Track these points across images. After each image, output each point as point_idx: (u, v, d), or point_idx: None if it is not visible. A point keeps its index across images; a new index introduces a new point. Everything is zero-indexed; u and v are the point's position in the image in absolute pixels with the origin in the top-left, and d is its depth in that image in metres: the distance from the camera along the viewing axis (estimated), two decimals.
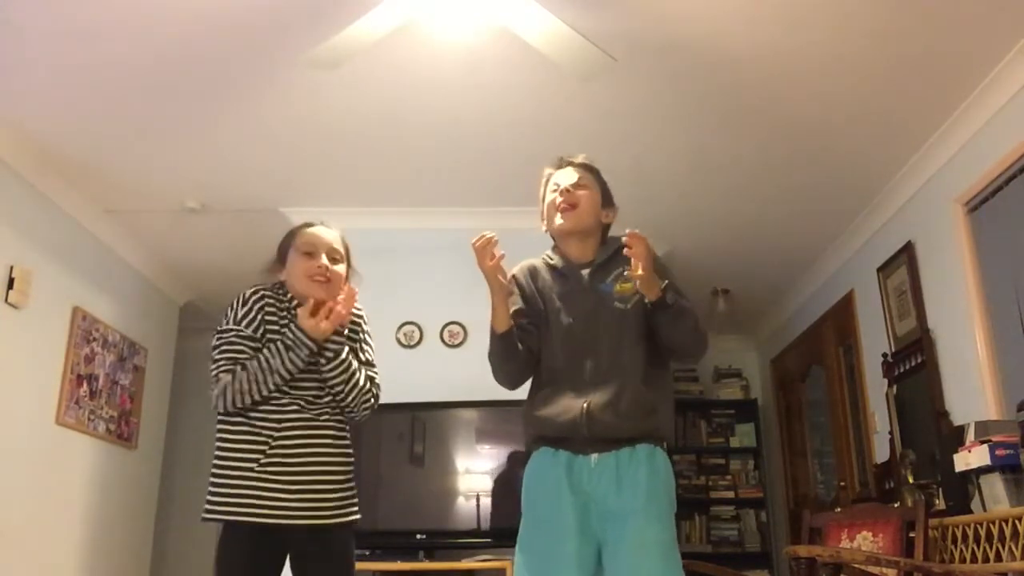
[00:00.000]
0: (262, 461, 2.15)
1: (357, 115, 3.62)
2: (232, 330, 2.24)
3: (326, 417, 2.25)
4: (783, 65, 3.22)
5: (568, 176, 2.15)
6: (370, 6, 2.63)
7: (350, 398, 2.26)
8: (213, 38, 3.05)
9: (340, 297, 2.24)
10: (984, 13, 2.91)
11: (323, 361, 2.22)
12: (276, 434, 2.18)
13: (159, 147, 3.89)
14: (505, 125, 3.69)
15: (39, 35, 3.02)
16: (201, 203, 4.45)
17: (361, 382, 2.28)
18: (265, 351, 2.19)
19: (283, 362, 2.17)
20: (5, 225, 3.81)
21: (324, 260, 2.27)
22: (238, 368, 2.18)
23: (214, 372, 2.21)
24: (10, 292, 3.78)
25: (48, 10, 2.88)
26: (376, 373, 2.38)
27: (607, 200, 2.18)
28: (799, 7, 2.90)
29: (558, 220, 2.12)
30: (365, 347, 2.39)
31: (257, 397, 2.16)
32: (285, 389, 2.20)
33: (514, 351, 2.03)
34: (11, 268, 3.81)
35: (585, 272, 2.11)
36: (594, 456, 1.94)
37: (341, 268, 2.32)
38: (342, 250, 2.35)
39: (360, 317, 2.40)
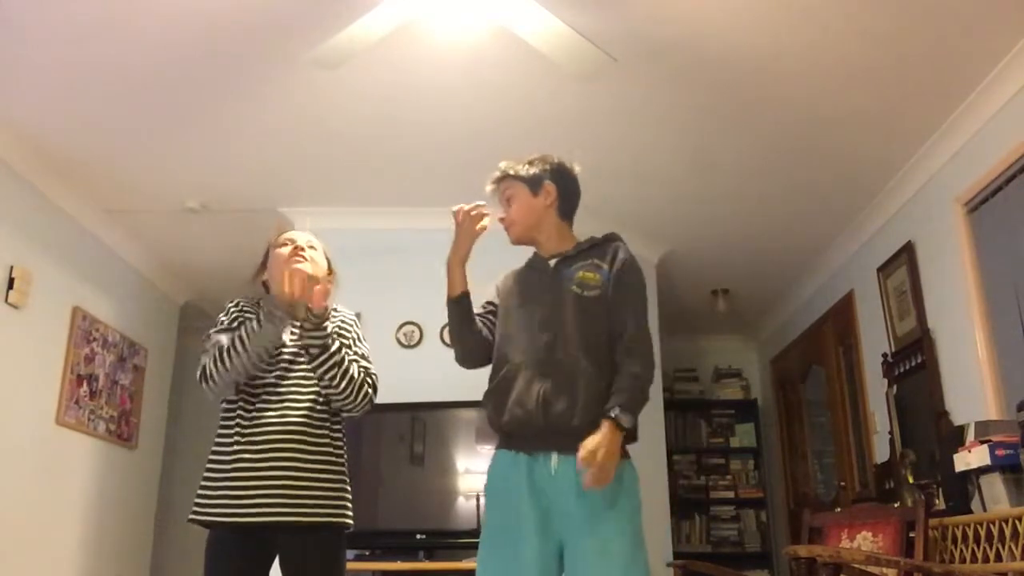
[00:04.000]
0: (228, 460, 2.20)
1: (357, 115, 3.62)
2: (215, 326, 2.32)
3: (302, 415, 2.25)
4: (783, 65, 3.22)
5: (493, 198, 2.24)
6: (370, 6, 2.63)
7: (344, 391, 2.25)
8: (213, 38, 3.05)
9: (316, 288, 2.27)
10: (984, 13, 2.91)
11: (314, 352, 2.23)
12: (244, 434, 2.21)
13: (159, 147, 3.89)
14: (505, 125, 3.69)
15: (39, 35, 3.02)
16: (201, 203, 4.45)
17: (355, 373, 2.28)
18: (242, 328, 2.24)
19: (256, 332, 2.18)
20: (5, 225, 3.81)
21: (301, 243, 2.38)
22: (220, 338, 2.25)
23: (200, 361, 2.26)
24: (10, 292, 3.78)
25: (48, 10, 2.88)
26: (371, 365, 2.38)
27: (535, 186, 2.18)
28: (799, 7, 2.90)
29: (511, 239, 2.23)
30: (357, 344, 2.41)
31: (230, 367, 2.17)
32: (261, 389, 2.24)
33: (469, 322, 2.15)
34: (11, 268, 3.81)
35: (552, 262, 2.14)
36: (554, 457, 1.94)
37: (318, 256, 2.39)
38: (318, 244, 2.43)
39: (350, 322, 2.43)
